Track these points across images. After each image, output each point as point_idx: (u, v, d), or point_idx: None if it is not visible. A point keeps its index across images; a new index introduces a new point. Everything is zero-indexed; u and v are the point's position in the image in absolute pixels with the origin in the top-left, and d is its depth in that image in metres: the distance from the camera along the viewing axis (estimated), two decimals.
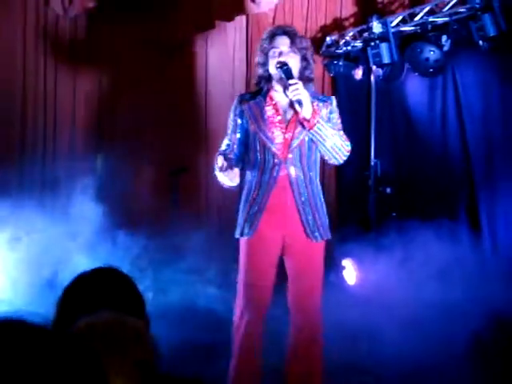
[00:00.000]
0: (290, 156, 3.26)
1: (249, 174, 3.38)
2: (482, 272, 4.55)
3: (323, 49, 5.88)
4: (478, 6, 4.72)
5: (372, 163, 5.38)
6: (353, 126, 5.85)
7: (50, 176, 6.36)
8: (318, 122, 3.13)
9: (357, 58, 5.62)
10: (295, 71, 3.24)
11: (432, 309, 4.26)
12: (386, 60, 5.20)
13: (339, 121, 3.30)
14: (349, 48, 5.65)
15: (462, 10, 4.92)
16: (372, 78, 5.45)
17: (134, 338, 1.39)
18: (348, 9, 5.99)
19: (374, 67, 5.38)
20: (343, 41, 5.71)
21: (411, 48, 5.14)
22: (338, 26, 6.01)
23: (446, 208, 5.24)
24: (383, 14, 5.54)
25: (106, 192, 5.72)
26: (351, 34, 5.67)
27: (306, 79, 3.29)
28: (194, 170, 6.10)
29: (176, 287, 5.19)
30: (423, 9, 5.17)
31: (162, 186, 6.10)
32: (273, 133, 3.26)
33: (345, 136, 3.23)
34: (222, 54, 6.59)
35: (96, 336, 1.35)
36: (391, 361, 3.69)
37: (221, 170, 3.19)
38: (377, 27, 5.25)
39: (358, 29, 5.62)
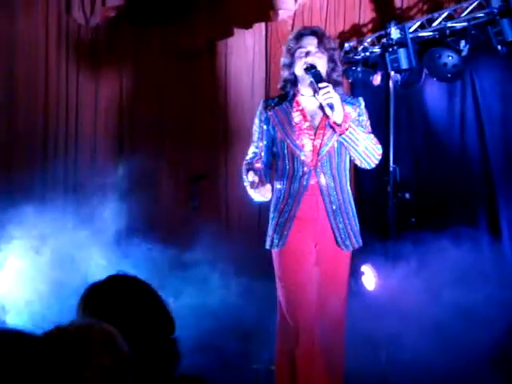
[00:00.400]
0: (320, 164, 3.18)
1: (277, 183, 3.28)
2: (501, 278, 4.51)
3: (342, 55, 5.89)
4: (496, 10, 4.70)
5: (391, 169, 5.37)
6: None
7: (72, 183, 6.46)
8: (349, 126, 3.06)
9: (375, 64, 5.63)
10: (323, 73, 3.14)
11: (452, 316, 4.20)
12: (404, 65, 5.20)
13: (368, 123, 3.25)
14: (367, 54, 5.66)
15: (480, 14, 4.91)
16: (390, 83, 5.46)
17: (102, 343, 1.38)
18: (366, 15, 5.99)
19: (392, 73, 5.38)
20: (361, 47, 5.72)
21: (429, 53, 5.13)
22: (356, 32, 6.02)
23: (465, 213, 5.22)
24: (401, 19, 5.54)
25: (128, 198, 5.78)
26: (369, 39, 5.68)
27: (333, 82, 3.19)
28: (213, 177, 6.14)
29: (196, 294, 5.22)
30: (441, 14, 5.17)
31: (182, 192, 6.15)
32: (301, 140, 3.18)
33: (375, 139, 3.18)
34: (241, 62, 6.62)
35: (65, 341, 1.35)
36: (410, 369, 3.67)
37: (252, 186, 3.12)
38: (395, 33, 5.26)
39: (377, 35, 5.62)
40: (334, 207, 3.18)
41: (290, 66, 3.23)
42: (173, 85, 6.60)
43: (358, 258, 5.64)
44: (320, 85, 3.06)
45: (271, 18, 5.95)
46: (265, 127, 3.28)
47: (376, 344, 4.05)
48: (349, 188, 3.28)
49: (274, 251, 3.25)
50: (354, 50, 5.81)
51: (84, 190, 5.89)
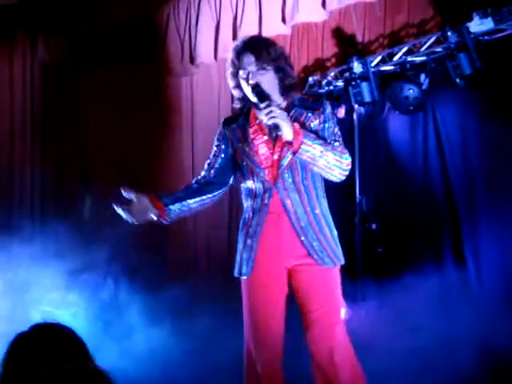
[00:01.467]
0: (281, 179, 3.00)
1: (244, 203, 3.12)
2: (468, 308, 4.58)
3: (306, 89, 6.00)
4: (453, 45, 4.86)
5: (357, 200, 5.46)
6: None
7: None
8: (302, 142, 2.86)
9: (339, 97, 5.74)
10: (271, 86, 2.99)
11: (421, 346, 4.17)
12: (367, 99, 5.32)
13: (336, 129, 3.03)
14: (331, 88, 5.77)
15: (438, 49, 5.06)
16: (354, 116, 5.57)
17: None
18: (329, 49, 6.12)
19: (355, 106, 5.50)
20: (325, 81, 5.84)
21: (391, 87, 5.27)
22: (320, 66, 6.14)
23: (430, 240, 5.32)
24: (363, 54, 5.68)
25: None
26: (333, 73, 5.80)
27: (287, 89, 3.04)
28: None
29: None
30: (401, 49, 5.31)
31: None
32: (259, 156, 3.01)
33: (341, 147, 2.96)
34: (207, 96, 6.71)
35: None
36: None
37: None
38: (357, 67, 5.38)
39: (340, 69, 5.75)
40: (302, 224, 2.99)
41: (238, 86, 3.08)
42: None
43: None
44: (261, 105, 2.92)
45: None
46: (223, 146, 3.14)
47: None
48: (322, 201, 3.07)
49: (243, 280, 3.07)
50: (317, 83, 5.93)
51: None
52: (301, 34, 6.25)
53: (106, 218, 5.65)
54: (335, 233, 3.10)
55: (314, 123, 3.02)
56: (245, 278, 3.05)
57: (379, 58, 5.44)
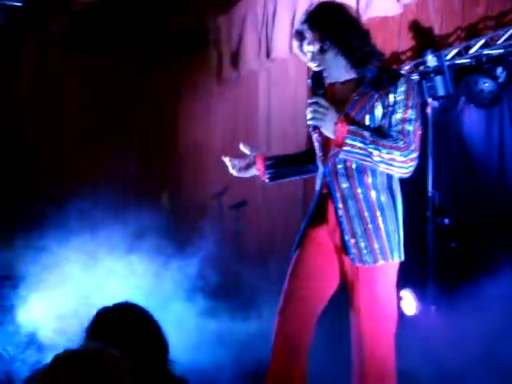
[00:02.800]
0: (331, 161, 2.78)
1: None
2: None
3: None
4: None
5: (429, 194, 5.42)
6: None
7: None
8: (344, 144, 2.62)
9: None
10: (336, 65, 2.72)
11: (500, 342, 4.04)
12: (441, 92, 5.27)
13: (408, 114, 2.67)
14: None
15: None
16: (428, 110, 5.52)
17: (112, 367, 1.45)
18: (406, 43, 6.09)
19: (429, 100, 5.45)
20: None
21: (466, 80, 5.19)
22: (395, 59, 6.11)
23: (505, 238, 5.22)
24: (440, 47, 5.62)
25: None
26: (407, 67, 5.77)
27: (355, 63, 2.72)
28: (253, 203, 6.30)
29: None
30: (478, 42, 5.23)
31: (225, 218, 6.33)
32: (319, 134, 2.79)
33: (402, 142, 2.63)
34: (284, 92, 6.79)
35: (76, 365, 1.42)
36: None
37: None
38: (431, 60, 5.34)
39: (415, 62, 5.71)
40: (349, 214, 2.74)
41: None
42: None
43: (397, 281, 5.69)
44: (309, 100, 2.71)
45: None
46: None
47: (418, 373, 3.92)
48: (382, 193, 2.75)
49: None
50: None
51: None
52: (377, 28, 6.22)
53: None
54: (391, 228, 2.78)
55: (378, 106, 2.70)
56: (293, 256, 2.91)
57: (455, 51, 5.37)
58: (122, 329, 1.85)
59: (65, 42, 6.68)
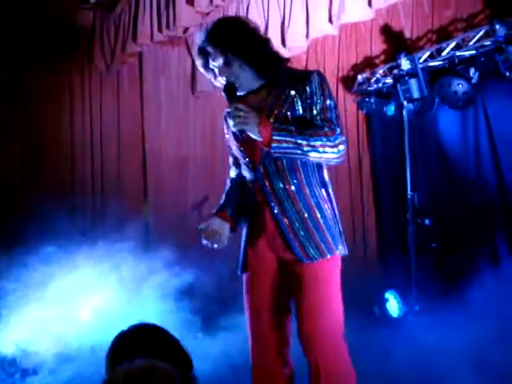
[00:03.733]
0: (262, 164, 2.77)
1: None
2: None
3: (355, 87, 6.05)
4: (502, 38, 4.83)
5: (409, 196, 5.48)
6: (388, 160, 5.99)
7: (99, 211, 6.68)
8: (271, 140, 2.62)
9: (388, 95, 5.78)
10: (244, 75, 2.75)
11: (484, 343, 3.98)
12: (416, 95, 5.34)
13: (327, 103, 2.72)
14: (380, 85, 5.80)
15: (487, 43, 5.04)
16: (404, 113, 5.58)
17: (165, 381, 1.51)
18: (378, 47, 6.16)
19: (405, 103, 5.51)
20: (374, 78, 5.87)
21: (440, 82, 5.27)
22: (368, 63, 6.18)
23: (484, 237, 5.30)
24: (412, 50, 5.69)
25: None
26: (381, 71, 5.83)
27: (262, 69, 2.75)
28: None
29: None
30: (450, 44, 5.31)
31: None
32: (245, 139, 2.77)
33: (328, 129, 2.66)
34: None
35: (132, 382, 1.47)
36: None
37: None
38: (405, 64, 5.40)
39: (388, 66, 5.78)
40: (286, 215, 2.74)
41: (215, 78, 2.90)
42: None
43: (382, 283, 5.76)
44: (228, 109, 2.75)
45: (284, 54, 6.11)
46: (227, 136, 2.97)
47: (403, 375, 3.91)
48: (316, 190, 2.76)
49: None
50: (367, 81, 5.97)
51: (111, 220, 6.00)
52: (349, 33, 6.31)
53: None
54: (331, 221, 2.78)
55: (296, 101, 2.73)
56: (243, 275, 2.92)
57: (427, 53, 5.44)
58: (148, 349, 1.86)
59: None
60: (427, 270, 5.36)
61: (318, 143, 2.67)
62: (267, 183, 2.77)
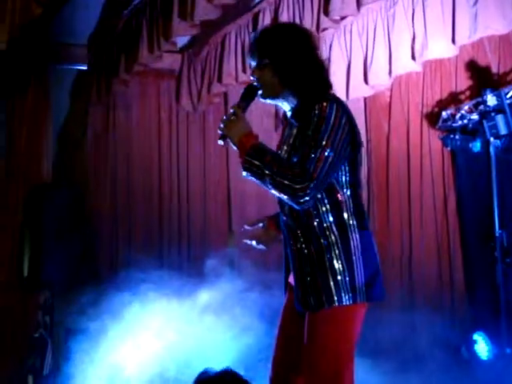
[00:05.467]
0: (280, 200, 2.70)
1: None
2: None
3: (440, 123, 5.98)
4: None
5: (497, 234, 5.34)
6: (475, 198, 5.86)
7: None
8: (244, 160, 2.53)
9: (474, 131, 5.67)
10: (271, 84, 2.66)
11: None
12: (503, 131, 5.22)
13: (314, 140, 2.48)
14: (465, 121, 5.72)
15: None
16: (491, 149, 5.47)
17: None
18: (463, 82, 6.08)
19: (491, 139, 5.40)
20: (459, 114, 5.79)
21: None
22: (453, 99, 6.11)
23: None
24: (498, 85, 5.59)
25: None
26: (467, 107, 5.75)
27: (289, 86, 2.65)
28: None
29: None
30: None
31: None
32: None
33: (298, 169, 2.45)
34: None
35: None
36: None
37: None
38: (491, 99, 5.31)
39: (474, 102, 5.68)
40: (294, 250, 2.65)
41: None
42: None
43: (469, 325, 5.60)
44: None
45: (367, 92, 6.14)
46: None
47: None
48: (327, 227, 2.57)
49: None
50: (452, 117, 5.89)
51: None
52: (433, 69, 6.27)
53: None
54: (340, 267, 2.55)
55: (298, 138, 2.60)
56: None
57: None
58: None
59: None
60: None
61: (279, 180, 2.47)
62: (284, 222, 2.69)
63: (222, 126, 2.61)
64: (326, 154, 2.47)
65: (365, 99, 6.69)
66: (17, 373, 5.45)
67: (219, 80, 6.28)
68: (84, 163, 6.76)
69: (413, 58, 5.51)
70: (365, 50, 5.91)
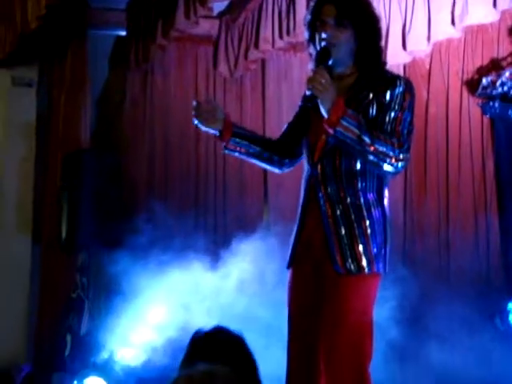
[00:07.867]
0: (320, 164, 2.66)
1: None
2: None
3: (479, 90, 5.87)
4: None
5: None
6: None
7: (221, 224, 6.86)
8: (338, 123, 2.49)
9: None
10: (346, 49, 2.65)
11: None
12: None
13: (401, 115, 2.59)
14: (505, 88, 5.60)
15: None
16: None
17: None
18: (505, 48, 5.95)
19: None
20: (500, 81, 5.68)
21: None
22: (494, 66, 5.98)
23: None
24: None
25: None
26: (508, 73, 5.63)
27: (363, 55, 2.66)
28: None
29: None
30: None
31: None
32: (312, 130, 2.72)
33: (396, 140, 2.53)
34: None
35: None
36: None
37: None
38: None
39: None
40: (333, 218, 2.60)
41: (310, 41, 2.77)
42: None
43: (504, 293, 5.54)
44: (314, 70, 2.66)
45: (406, 58, 6.05)
46: (299, 112, 2.93)
47: None
48: (372, 201, 2.61)
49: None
50: (492, 84, 5.78)
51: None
52: (475, 35, 6.13)
53: None
54: (380, 239, 2.64)
55: (373, 106, 2.62)
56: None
57: None
58: (220, 353, 1.94)
59: None
60: None
61: (381, 149, 2.55)
62: (322, 183, 2.65)
63: (311, 87, 2.59)
64: (411, 128, 2.70)
65: (404, 66, 6.59)
66: (56, 332, 5.58)
67: (256, 46, 6.25)
68: (122, 130, 6.81)
69: (453, 23, 5.41)
70: (403, 15, 5.81)
